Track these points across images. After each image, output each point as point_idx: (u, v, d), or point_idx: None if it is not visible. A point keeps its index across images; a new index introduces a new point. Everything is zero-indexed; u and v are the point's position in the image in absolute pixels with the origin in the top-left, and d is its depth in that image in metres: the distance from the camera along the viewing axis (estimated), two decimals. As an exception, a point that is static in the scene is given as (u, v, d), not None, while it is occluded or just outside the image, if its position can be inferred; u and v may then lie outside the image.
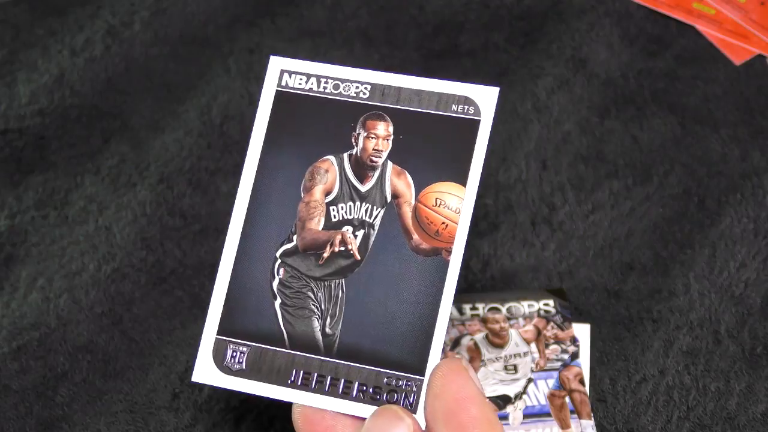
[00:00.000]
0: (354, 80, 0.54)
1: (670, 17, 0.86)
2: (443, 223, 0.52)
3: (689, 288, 0.71)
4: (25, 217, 0.74)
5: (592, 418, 0.65)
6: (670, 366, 0.67)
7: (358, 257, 0.52)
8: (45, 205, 0.75)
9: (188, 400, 0.66)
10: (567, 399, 0.66)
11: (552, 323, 0.69)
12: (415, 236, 0.52)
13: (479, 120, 0.53)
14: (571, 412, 0.65)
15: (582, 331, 0.69)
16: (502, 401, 0.66)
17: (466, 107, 0.53)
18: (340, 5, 0.87)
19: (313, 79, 0.54)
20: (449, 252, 0.51)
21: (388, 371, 0.51)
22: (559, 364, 0.67)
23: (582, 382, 0.66)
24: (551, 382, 0.67)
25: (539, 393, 0.66)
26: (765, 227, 0.74)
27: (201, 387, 0.66)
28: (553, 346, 0.68)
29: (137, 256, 0.72)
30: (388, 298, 0.52)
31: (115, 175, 0.77)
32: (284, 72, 0.55)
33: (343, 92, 0.54)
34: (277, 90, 0.55)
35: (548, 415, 0.65)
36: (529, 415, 0.66)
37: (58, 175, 0.77)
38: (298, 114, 0.54)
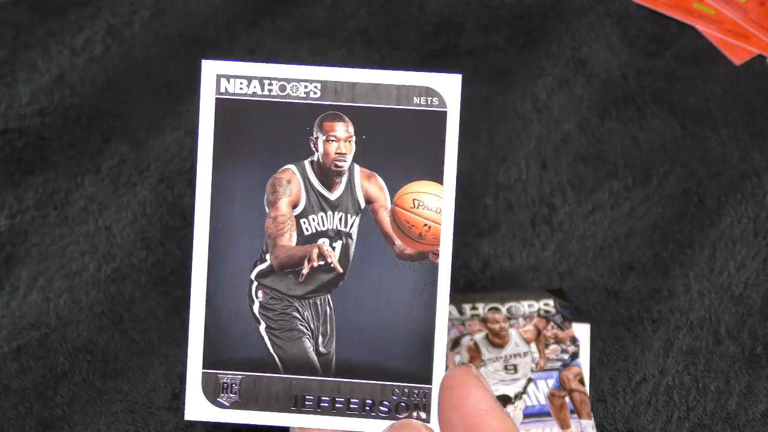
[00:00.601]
0: (301, 79, 0.49)
1: (670, 17, 0.86)
2: (425, 225, 0.49)
3: (689, 288, 0.71)
4: (25, 217, 0.74)
5: (592, 418, 0.65)
6: (670, 366, 0.67)
7: (341, 270, 0.50)
8: (45, 205, 0.75)
9: (188, 400, 0.66)
10: (567, 399, 0.66)
11: (552, 323, 0.69)
12: (398, 242, 0.50)
13: (445, 111, 0.49)
14: (571, 412, 0.65)
15: (582, 331, 0.69)
16: (502, 401, 0.66)
17: (429, 99, 0.49)
18: (340, 5, 0.87)
19: (255, 82, 0.50)
20: (436, 254, 0.49)
21: (393, 383, 0.49)
22: (559, 364, 0.67)
23: (582, 382, 0.66)
24: (551, 382, 0.67)
25: (539, 393, 0.66)
26: (765, 227, 0.74)
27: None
28: (553, 346, 0.68)
29: (137, 256, 0.72)
30: (380, 308, 0.49)
31: (115, 175, 0.77)
32: (221, 77, 0.49)
33: (291, 94, 0.50)
34: (216, 98, 0.49)
35: (548, 415, 0.66)
36: (529, 415, 0.66)
37: (58, 175, 0.77)
38: (245, 123, 0.49)
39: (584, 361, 0.68)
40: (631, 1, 0.87)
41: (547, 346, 0.68)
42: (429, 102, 0.49)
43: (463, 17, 0.87)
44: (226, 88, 0.49)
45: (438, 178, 0.49)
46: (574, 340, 0.68)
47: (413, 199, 0.49)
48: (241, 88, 0.49)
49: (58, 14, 0.86)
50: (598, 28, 0.85)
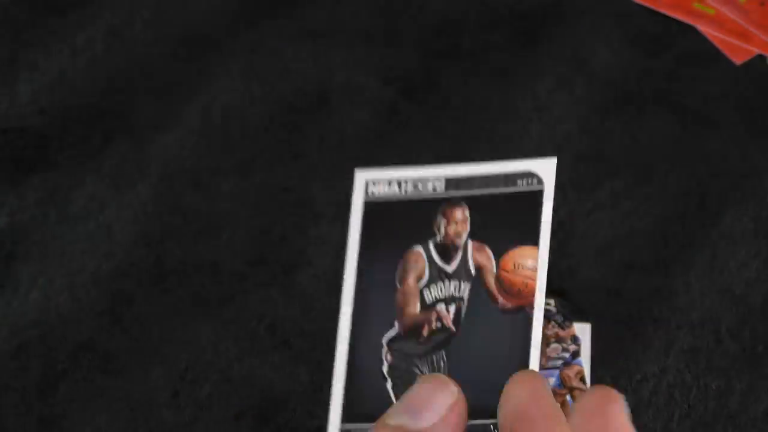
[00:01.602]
0: (429, 178, 0.59)
1: (671, 17, 0.86)
2: (524, 282, 0.55)
3: (690, 287, 0.71)
4: (25, 215, 0.74)
5: (593, 417, 0.65)
6: (671, 365, 0.67)
7: (454, 329, 0.56)
8: (45, 204, 0.75)
9: (188, 398, 0.66)
10: (568, 397, 0.66)
11: (553, 322, 0.69)
12: (501, 299, 0.56)
13: (542, 189, 0.58)
14: (572, 410, 0.65)
15: (583, 330, 0.69)
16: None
17: (529, 180, 0.58)
18: (341, 5, 0.87)
19: (395, 184, 0.59)
20: (532, 306, 0.55)
21: (494, 420, 0.52)
22: (560, 362, 0.67)
23: (583, 380, 0.66)
24: (552, 381, 0.67)
25: (540, 391, 0.66)
26: (766, 227, 0.74)
27: (201, 384, 0.66)
28: (554, 345, 0.68)
29: (138, 254, 0.72)
30: (486, 358, 0.55)
31: (116, 174, 0.77)
32: (369, 182, 0.60)
33: (421, 190, 0.59)
34: (365, 201, 0.60)
35: (549, 413, 0.65)
36: (530, 413, 0.65)
37: (58, 175, 0.77)
38: (385, 218, 0.59)
39: (585, 360, 0.68)
40: (631, 1, 0.87)
41: (548, 344, 0.68)
42: (529, 182, 0.57)
43: (464, 17, 0.87)
44: (372, 192, 0.59)
45: (534, 242, 0.55)
46: (575, 339, 0.68)
47: (514, 263, 0.56)
48: (384, 191, 0.59)
49: (58, 13, 0.86)
50: (598, 28, 0.85)
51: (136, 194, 0.75)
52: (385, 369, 0.56)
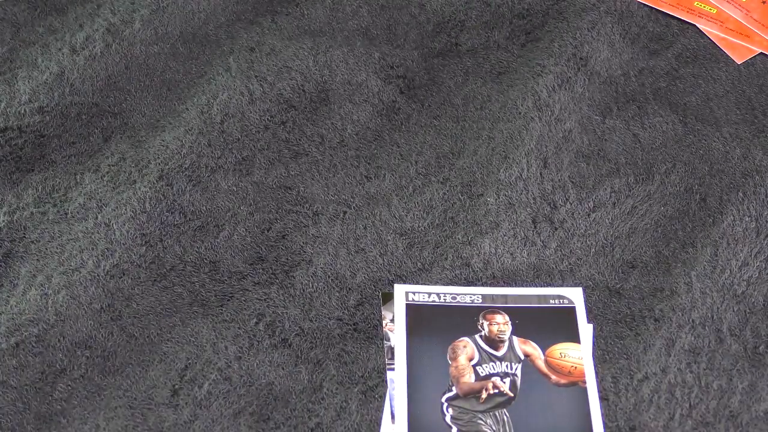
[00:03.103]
0: (467, 293, 0.69)
1: (672, 16, 0.86)
2: (572, 366, 0.66)
3: (691, 286, 0.71)
4: (24, 213, 0.74)
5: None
6: (672, 364, 0.67)
7: (512, 395, 0.65)
8: (44, 202, 0.75)
9: (187, 396, 0.65)
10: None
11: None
12: (553, 377, 0.66)
13: (574, 307, 0.68)
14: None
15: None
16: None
17: (561, 300, 0.69)
18: (341, 4, 0.87)
19: (434, 295, 0.69)
20: (584, 382, 0.65)
21: None
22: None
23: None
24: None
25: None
26: (767, 226, 0.74)
27: (200, 383, 0.66)
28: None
29: (136, 252, 0.72)
30: (547, 417, 0.64)
31: (114, 172, 0.76)
32: (409, 293, 0.69)
33: (460, 301, 0.69)
34: (406, 304, 0.69)
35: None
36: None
37: (57, 173, 0.77)
38: (428, 315, 0.68)
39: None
40: None
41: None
42: (561, 302, 0.69)
43: (464, 16, 0.87)
44: (413, 299, 0.69)
45: (575, 340, 0.67)
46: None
47: (560, 353, 0.66)
48: (423, 298, 0.69)
49: (58, 12, 0.86)
50: (599, 26, 0.85)
51: (134, 192, 0.75)
52: (448, 419, 0.64)
